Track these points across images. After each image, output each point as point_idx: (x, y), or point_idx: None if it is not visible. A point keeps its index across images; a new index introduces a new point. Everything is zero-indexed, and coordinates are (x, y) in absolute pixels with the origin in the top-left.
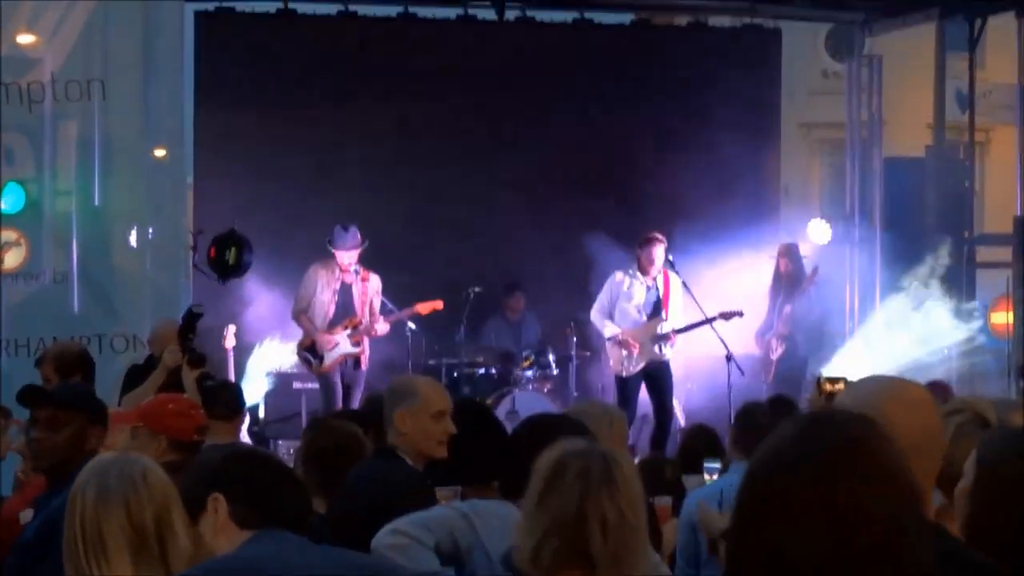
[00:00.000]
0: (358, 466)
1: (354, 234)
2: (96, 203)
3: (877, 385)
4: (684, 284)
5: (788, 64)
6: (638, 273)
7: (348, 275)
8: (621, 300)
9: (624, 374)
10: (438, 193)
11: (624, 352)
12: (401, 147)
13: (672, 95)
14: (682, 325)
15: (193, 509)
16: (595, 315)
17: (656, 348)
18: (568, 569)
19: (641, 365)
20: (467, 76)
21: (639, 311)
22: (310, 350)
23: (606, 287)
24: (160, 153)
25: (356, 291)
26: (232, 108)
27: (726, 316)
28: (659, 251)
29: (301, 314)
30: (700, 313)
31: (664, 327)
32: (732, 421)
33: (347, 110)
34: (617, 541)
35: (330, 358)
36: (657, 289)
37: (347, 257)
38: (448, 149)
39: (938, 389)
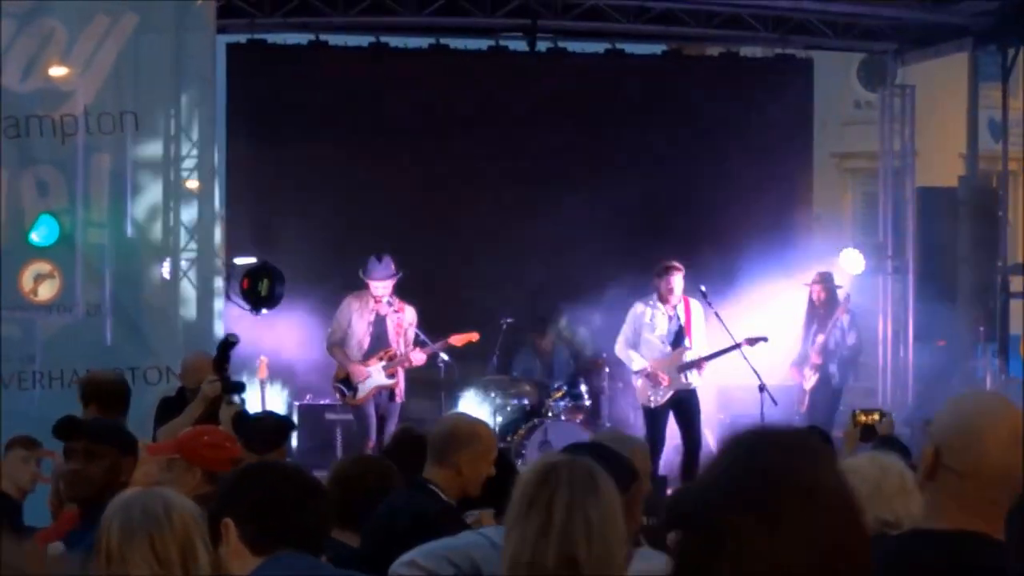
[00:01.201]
0: (391, 498)
1: (388, 264)
2: (129, 235)
3: (977, 403)
4: (716, 313)
5: (820, 94)
6: (658, 303)
7: (382, 306)
8: (644, 331)
9: (652, 405)
10: (470, 226)
11: (651, 385)
12: (433, 179)
13: (704, 125)
14: (707, 352)
15: (214, 535)
16: (620, 348)
17: (682, 377)
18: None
19: (669, 395)
20: (499, 108)
21: (663, 341)
22: (344, 382)
23: (628, 319)
24: (192, 185)
25: (391, 323)
26: (263, 140)
27: (751, 342)
28: (677, 279)
29: (335, 346)
30: (725, 340)
31: (688, 355)
32: None
33: (378, 142)
34: (601, 545)
35: (364, 390)
36: (679, 318)
37: (381, 287)
38: (480, 182)
39: None
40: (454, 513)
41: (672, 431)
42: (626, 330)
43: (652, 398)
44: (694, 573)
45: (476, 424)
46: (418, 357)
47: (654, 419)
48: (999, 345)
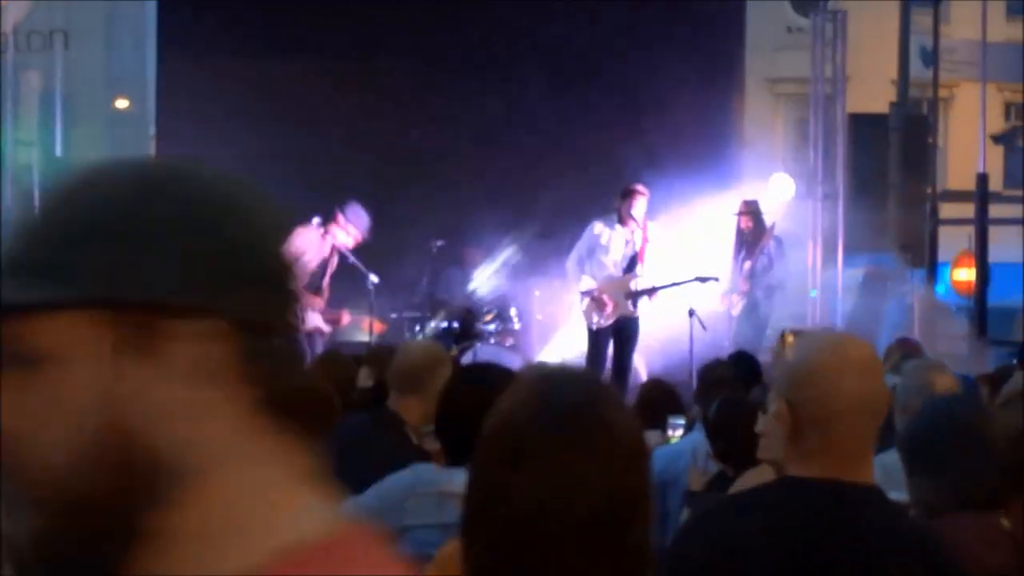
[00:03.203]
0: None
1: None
2: (58, 153)
3: (818, 345)
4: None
5: (752, 19)
6: (617, 225)
7: (333, 252)
8: (598, 252)
9: (595, 327)
10: (405, 149)
11: (597, 308)
12: (367, 101)
13: (635, 50)
14: (658, 283)
15: None
16: (571, 266)
17: (629, 303)
18: None
19: (613, 319)
20: (431, 33)
21: (615, 265)
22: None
23: (584, 237)
24: (123, 104)
25: (329, 268)
26: (195, 59)
27: (702, 280)
28: (640, 203)
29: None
30: (672, 273)
31: (637, 283)
32: (695, 377)
33: (312, 59)
34: None
35: (308, 321)
36: (635, 243)
37: (354, 239)
38: (414, 104)
39: (908, 347)
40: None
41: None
42: (580, 247)
43: (596, 319)
44: (487, 491)
45: (439, 349)
46: (346, 318)
47: (596, 340)
48: (927, 271)
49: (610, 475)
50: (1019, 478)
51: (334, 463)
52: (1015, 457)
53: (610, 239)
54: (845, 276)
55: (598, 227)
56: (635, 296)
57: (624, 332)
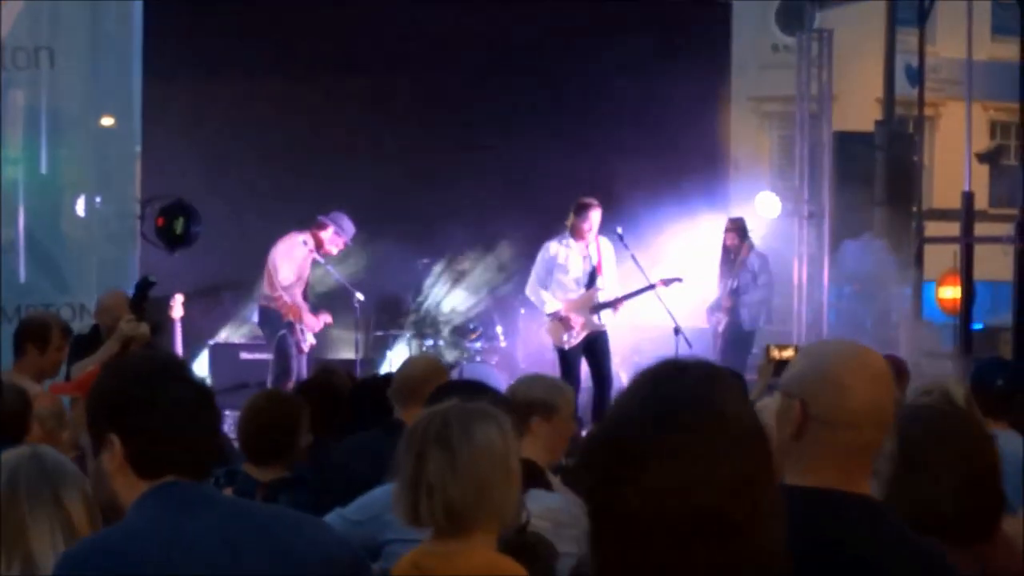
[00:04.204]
0: (363, 440)
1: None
2: (43, 171)
3: (836, 349)
4: (633, 256)
5: (739, 37)
6: (571, 242)
7: (308, 260)
8: (557, 272)
9: (566, 347)
10: (391, 163)
11: (564, 327)
12: (352, 114)
13: (622, 67)
14: (621, 293)
15: (95, 442)
16: (531, 290)
17: (595, 318)
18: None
19: (582, 336)
20: (416, 46)
21: (577, 282)
22: (291, 325)
23: (539, 260)
24: (108, 122)
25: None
26: (181, 77)
27: (666, 282)
28: (595, 215)
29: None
30: (640, 281)
31: (601, 296)
32: None
33: (296, 77)
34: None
35: (312, 339)
36: (591, 258)
37: (339, 248)
38: (399, 118)
39: (894, 364)
40: None
41: (584, 372)
42: (537, 270)
43: (566, 339)
44: (602, 498)
45: (439, 362)
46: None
47: (568, 360)
48: (913, 290)
49: (725, 468)
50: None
51: (346, 473)
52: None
53: (567, 257)
54: (830, 293)
55: (553, 247)
56: (599, 309)
57: (595, 346)
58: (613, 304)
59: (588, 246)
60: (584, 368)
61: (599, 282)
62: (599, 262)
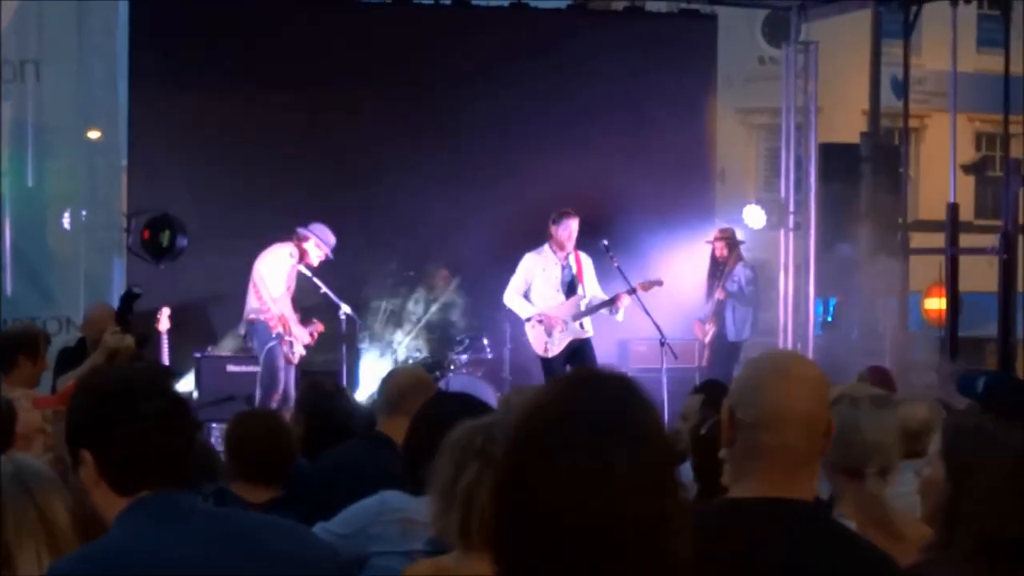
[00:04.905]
0: (348, 451)
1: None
2: (30, 184)
3: (764, 356)
4: (619, 267)
5: (725, 50)
6: (550, 252)
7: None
8: (536, 282)
9: (549, 355)
10: (374, 177)
11: (546, 332)
12: (335, 132)
13: (608, 80)
14: (604, 297)
15: (72, 458)
16: (509, 298)
17: (579, 325)
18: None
19: (565, 344)
20: (402, 60)
21: (557, 290)
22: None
23: (519, 270)
24: (94, 135)
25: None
26: (167, 90)
27: (645, 287)
28: (574, 224)
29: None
30: (628, 285)
31: (582, 303)
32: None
33: (282, 92)
34: None
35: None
36: (571, 267)
37: (321, 258)
38: (384, 132)
39: (879, 375)
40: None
41: None
42: (516, 281)
43: (548, 347)
44: (510, 498)
45: (425, 373)
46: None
47: (551, 369)
48: (899, 301)
49: (636, 480)
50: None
51: (331, 486)
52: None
53: (546, 267)
54: (816, 305)
55: (532, 259)
56: (583, 315)
57: (579, 354)
58: (594, 310)
59: (568, 256)
60: None
61: (580, 290)
62: (579, 271)
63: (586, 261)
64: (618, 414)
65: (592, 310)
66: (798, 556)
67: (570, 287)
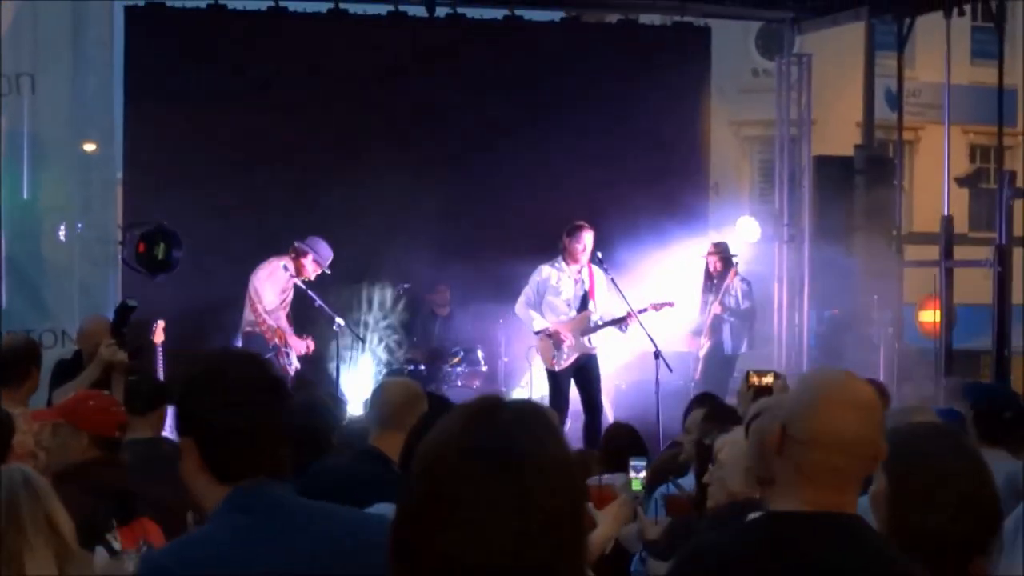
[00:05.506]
0: (335, 465)
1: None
2: (25, 196)
3: (820, 375)
4: (612, 280)
5: (718, 62)
6: (563, 265)
7: (290, 284)
8: (548, 294)
9: (556, 368)
10: (367, 189)
11: (554, 346)
12: (332, 145)
13: (602, 92)
14: (611, 316)
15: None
16: (520, 309)
17: (586, 341)
18: None
19: (572, 359)
20: (397, 73)
21: (568, 305)
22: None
23: (532, 282)
24: (90, 148)
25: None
26: (162, 103)
27: (657, 307)
28: (589, 237)
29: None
30: (628, 306)
31: (593, 319)
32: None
33: (277, 105)
34: None
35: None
36: (584, 281)
37: (319, 271)
38: (377, 145)
39: (874, 388)
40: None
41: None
42: (528, 292)
43: (556, 361)
44: (414, 529)
45: (417, 386)
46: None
47: (557, 383)
48: (893, 313)
49: (531, 518)
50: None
51: (327, 500)
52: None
53: (559, 280)
54: (810, 317)
55: (545, 270)
56: (592, 331)
57: (585, 370)
58: (604, 327)
59: (581, 270)
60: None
61: (591, 306)
62: (591, 286)
63: (599, 276)
64: (524, 443)
65: (603, 326)
66: (841, 568)
67: (582, 302)
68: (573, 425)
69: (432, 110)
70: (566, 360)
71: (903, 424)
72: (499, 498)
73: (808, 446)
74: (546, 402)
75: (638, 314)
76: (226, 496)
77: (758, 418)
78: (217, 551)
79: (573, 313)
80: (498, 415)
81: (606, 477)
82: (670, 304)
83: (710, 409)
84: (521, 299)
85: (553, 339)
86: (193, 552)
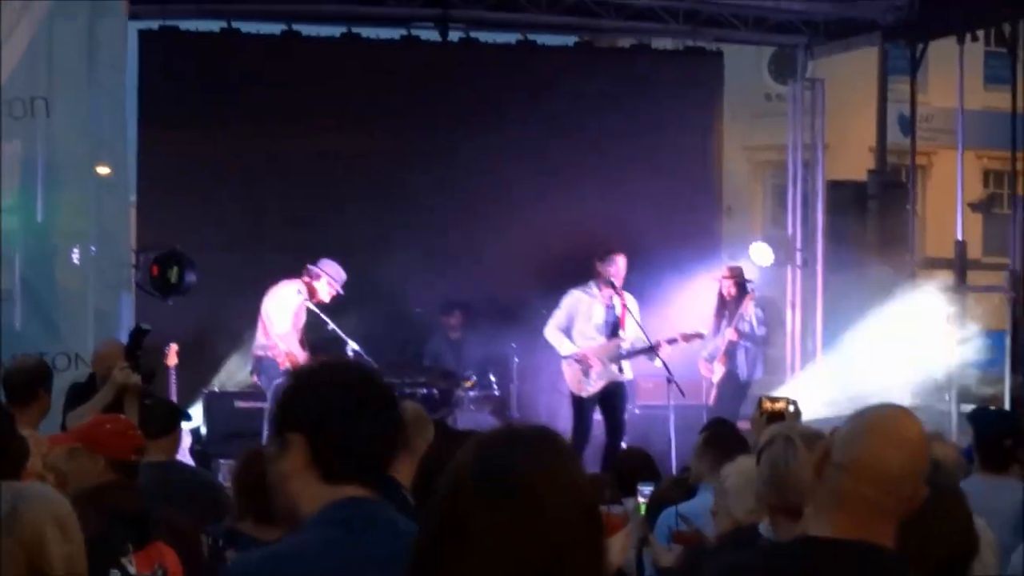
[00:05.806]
0: None
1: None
2: (39, 220)
3: (874, 414)
4: (626, 307)
5: (731, 86)
6: (595, 291)
7: (303, 306)
8: (579, 320)
9: (584, 395)
10: (384, 213)
11: (583, 372)
12: (346, 168)
13: (615, 117)
14: (642, 344)
15: (273, 441)
16: (551, 333)
17: (616, 368)
18: None
19: (600, 385)
20: (410, 97)
21: (598, 331)
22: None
23: (563, 306)
24: (104, 171)
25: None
26: (176, 127)
27: (687, 338)
28: (621, 262)
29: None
30: (658, 335)
31: (623, 346)
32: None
33: (291, 129)
34: None
35: None
36: (615, 308)
37: (333, 292)
38: (392, 169)
39: None
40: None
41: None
42: (559, 316)
43: (584, 387)
44: (431, 557)
45: (422, 409)
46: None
47: (582, 408)
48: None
49: (545, 545)
50: None
51: None
52: None
53: (591, 306)
54: (824, 344)
55: (576, 295)
56: (622, 358)
57: (613, 397)
58: (635, 354)
59: (612, 297)
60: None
61: (621, 333)
62: (623, 313)
63: (631, 303)
64: (540, 472)
65: (632, 354)
66: None
67: (613, 328)
68: (593, 450)
69: (446, 134)
70: (593, 387)
71: None
72: (513, 525)
73: (843, 472)
74: (568, 430)
75: (668, 343)
76: (323, 508)
77: (770, 445)
78: (307, 559)
79: (603, 339)
80: (513, 443)
81: (615, 508)
82: (699, 336)
83: (710, 434)
84: (551, 322)
85: (581, 364)
86: (283, 557)
